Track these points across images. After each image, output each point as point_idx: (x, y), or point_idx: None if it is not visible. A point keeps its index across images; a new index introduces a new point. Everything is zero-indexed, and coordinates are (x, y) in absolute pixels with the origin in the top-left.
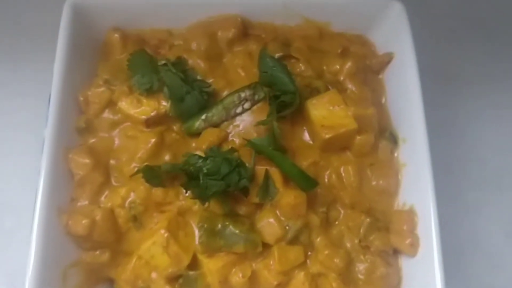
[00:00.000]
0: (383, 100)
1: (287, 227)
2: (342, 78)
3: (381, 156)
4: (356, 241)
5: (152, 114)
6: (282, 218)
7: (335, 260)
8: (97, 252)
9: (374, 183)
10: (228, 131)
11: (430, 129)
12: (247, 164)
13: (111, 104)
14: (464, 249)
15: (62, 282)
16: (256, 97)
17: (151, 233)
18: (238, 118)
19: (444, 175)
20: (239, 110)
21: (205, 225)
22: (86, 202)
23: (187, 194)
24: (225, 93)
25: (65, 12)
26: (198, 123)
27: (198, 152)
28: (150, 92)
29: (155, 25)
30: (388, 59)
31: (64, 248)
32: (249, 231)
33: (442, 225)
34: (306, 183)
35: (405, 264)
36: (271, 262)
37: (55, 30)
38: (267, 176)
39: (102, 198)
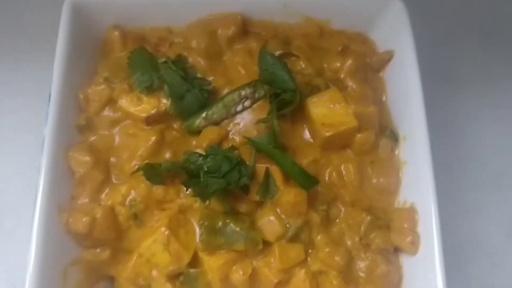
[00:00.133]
0: (384, 98)
1: (287, 225)
2: (342, 76)
3: (381, 154)
4: (357, 239)
5: (153, 112)
6: (283, 216)
7: (336, 258)
8: (98, 250)
9: (374, 181)
10: (229, 129)
11: (430, 129)
12: (247, 162)
13: (111, 102)
14: (464, 249)
15: (62, 280)
16: (256, 95)
17: (152, 231)
18: (238, 116)
19: (444, 175)
20: (239, 108)
21: (206, 223)
22: (87, 200)
23: (187, 192)
24: (225, 91)
25: (64, 10)
26: (198, 121)
27: (199, 150)
28: (150, 90)
29: (155, 23)
30: (388, 57)
31: (64, 246)
32: (249, 229)
33: (442, 225)
34: (307, 181)
35: (406, 262)
36: (272, 260)
37: (54, 29)
38: (267, 174)
39: (103, 196)
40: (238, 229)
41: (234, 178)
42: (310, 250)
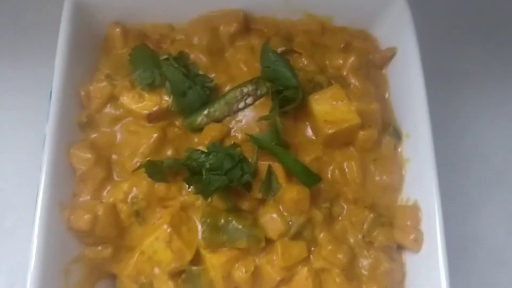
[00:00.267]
0: (386, 95)
1: (290, 223)
2: (345, 73)
3: (384, 151)
4: (360, 236)
5: (154, 109)
6: (285, 214)
7: (339, 255)
8: (99, 248)
9: (377, 178)
10: (231, 126)
11: (432, 127)
12: (249, 160)
13: (112, 99)
14: (467, 246)
15: (64, 278)
16: (259, 92)
17: (154, 228)
18: (240, 113)
19: (446, 172)
20: (241, 105)
21: (208, 220)
22: (88, 197)
23: (189, 189)
24: (227, 88)
25: (66, 6)
26: (200, 118)
27: (201, 147)
28: (152, 87)
29: (156, 20)
30: (391, 54)
31: (66, 243)
32: (252, 227)
33: (445, 222)
34: (309, 178)
35: (409, 259)
36: (274, 258)
37: (55, 25)
38: (269, 171)
39: (104, 193)
40: (240, 226)
41: (237, 175)
42: (312, 248)
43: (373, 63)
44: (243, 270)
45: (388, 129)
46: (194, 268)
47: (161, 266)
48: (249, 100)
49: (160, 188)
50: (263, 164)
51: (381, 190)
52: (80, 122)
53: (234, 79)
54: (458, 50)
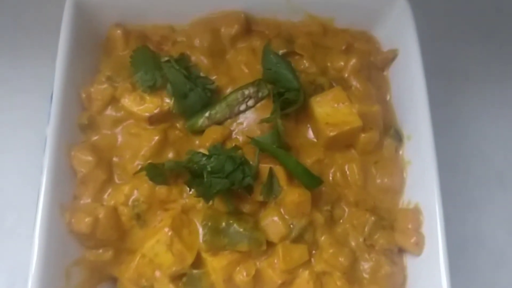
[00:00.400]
0: (388, 97)
1: (291, 226)
2: (346, 75)
3: (385, 153)
4: (361, 239)
5: (155, 111)
6: (286, 217)
7: (340, 258)
8: (100, 250)
9: (378, 181)
10: (232, 128)
11: (433, 127)
12: (251, 162)
13: (114, 101)
14: (468, 246)
15: (65, 281)
16: (260, 94)
17: (155, 231)
18: (241, 115)
19: (447, 172)
20: (242, 107)
21: (209, 223)
22: (89, 200)
23: (191, 192)
24: (228, 90)
25: (67, 8)
26: (201, 121)
27: (202, 150)
28: (153, 89)
29: (157, 21)
30: (392, 55)
31: (67, 246)
32: (253, 230)
33: (446, 222)
34: (311, 181)
35: (410, 263)
36: (276, 261)
37: (55, 26)
38: (271, 174)
39: (105, 196)
40: (241, 229)
41: (238, 178)
42: (314, 251)
43: (375, 65)
44: (244, 273)
45: (390, 131)
46: (195, 271)
47: (162, 269)
48: (250, 102)
49: (161, 191)
50: (265, 167)
51: (382, 192)
52: (81, 124)
53: (235, 81)
54: (458, 50)
